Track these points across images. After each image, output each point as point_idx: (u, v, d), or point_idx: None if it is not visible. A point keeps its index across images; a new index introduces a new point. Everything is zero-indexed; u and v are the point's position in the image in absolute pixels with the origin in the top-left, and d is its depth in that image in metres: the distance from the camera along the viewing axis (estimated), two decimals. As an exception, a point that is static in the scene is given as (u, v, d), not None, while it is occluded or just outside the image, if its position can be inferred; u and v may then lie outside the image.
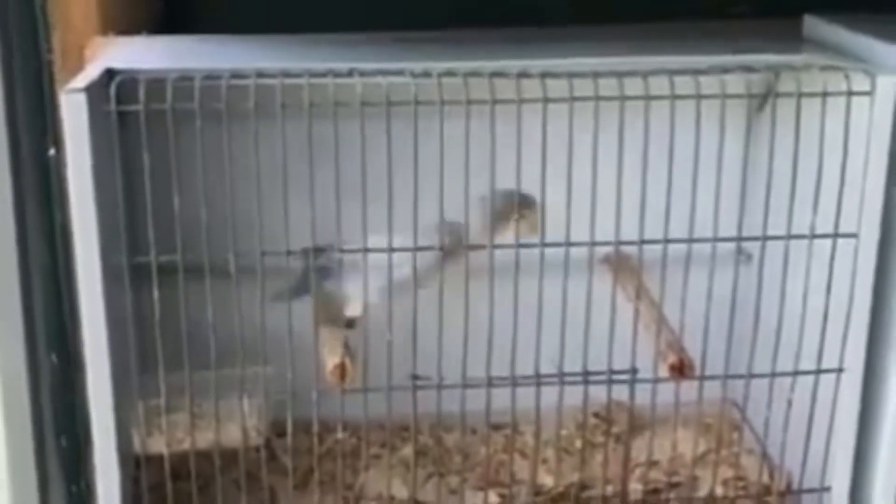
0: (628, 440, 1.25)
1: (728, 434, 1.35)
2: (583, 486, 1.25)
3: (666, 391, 1.16)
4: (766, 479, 1.25)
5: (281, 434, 1.16)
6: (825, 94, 1.09)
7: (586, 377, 1.12)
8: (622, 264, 1.21)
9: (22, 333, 1.11)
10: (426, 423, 1.27)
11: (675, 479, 1.26)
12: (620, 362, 1.13)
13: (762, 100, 1.23)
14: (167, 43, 1.26)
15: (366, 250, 1.08)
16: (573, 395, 1.16)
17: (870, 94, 1.07)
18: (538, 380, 1.11)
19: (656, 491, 1.24)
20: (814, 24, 1.27)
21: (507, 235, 1.11)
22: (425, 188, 1.05)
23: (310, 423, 1.10)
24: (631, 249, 1.13)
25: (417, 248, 1.08)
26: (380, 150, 1.04)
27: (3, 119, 1.05)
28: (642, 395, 1.15)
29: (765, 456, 1.26)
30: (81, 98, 0.97)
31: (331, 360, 1.08)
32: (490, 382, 1.10)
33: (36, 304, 1.13)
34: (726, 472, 1.29)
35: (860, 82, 1.08)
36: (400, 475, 1.27)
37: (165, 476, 1.08)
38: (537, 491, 1.25)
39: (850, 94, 1.08)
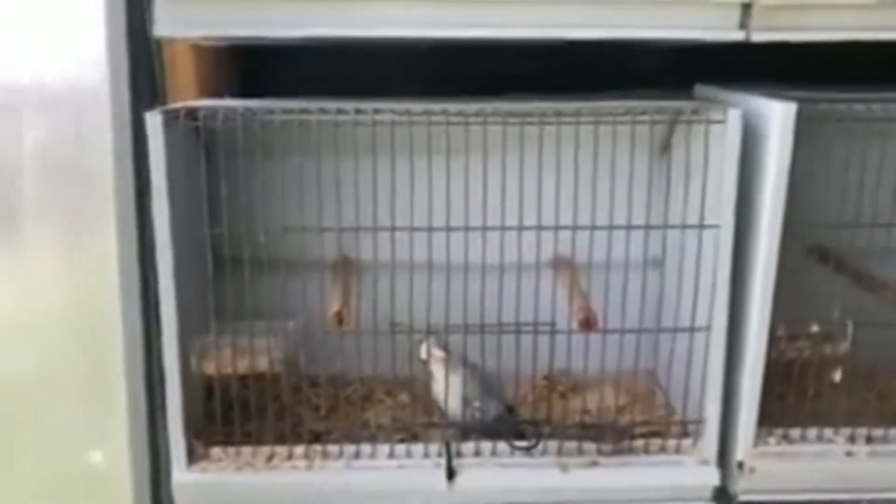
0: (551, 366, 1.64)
1: (648, 388, 1.75)
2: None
3: (595, 357, 1.56)
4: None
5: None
6: (690, 122, 1.51)
7: (518, 328, 1.53)
8: (560, 262, 1.63)
9: (139, 306, 1.52)
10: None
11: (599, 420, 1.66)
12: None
13: (667, 129, 1.67)
14: (239, 101, 1.69)
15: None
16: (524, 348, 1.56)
17: (722, 122, 1.49)
18: (483, 328, 1.53)
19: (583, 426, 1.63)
20: (702, 90, 1.77)
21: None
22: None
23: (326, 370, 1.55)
24: (567, 252, 1.58)
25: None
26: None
27: (132, 158, 1.45)
28: (579, 359, 1.56)
29: (666, 396, 1.68)
30: (158, 118, 1.42)
31: (332, 308, 1.51)
32: (447, 329, 1.53)
33: (150, 287, 1.52)
34: (639, 416, 1.67)
35: (716, 114, 1.50)
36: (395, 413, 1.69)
37: (215, 392, 1.52)
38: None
39: (708, 122, 1.49)
